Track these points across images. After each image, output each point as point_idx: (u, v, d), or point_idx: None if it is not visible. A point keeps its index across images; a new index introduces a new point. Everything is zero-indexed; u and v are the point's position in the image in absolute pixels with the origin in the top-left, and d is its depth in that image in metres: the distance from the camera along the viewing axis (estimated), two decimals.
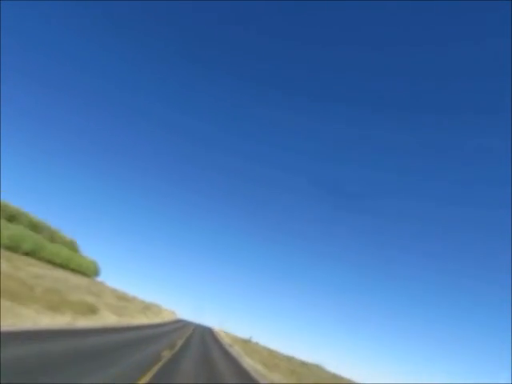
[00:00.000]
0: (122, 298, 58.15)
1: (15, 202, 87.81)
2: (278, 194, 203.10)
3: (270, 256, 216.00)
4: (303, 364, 51.67)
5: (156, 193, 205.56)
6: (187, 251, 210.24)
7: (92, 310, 17.56)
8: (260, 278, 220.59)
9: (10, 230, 58.52)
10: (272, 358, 36.52)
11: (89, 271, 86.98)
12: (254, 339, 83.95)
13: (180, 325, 54.36)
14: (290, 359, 53.18)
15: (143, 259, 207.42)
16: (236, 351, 36.15)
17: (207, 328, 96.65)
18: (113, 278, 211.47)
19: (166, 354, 16.16)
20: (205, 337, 46.89)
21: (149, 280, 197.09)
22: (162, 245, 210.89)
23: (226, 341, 52.26)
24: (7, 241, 56.81)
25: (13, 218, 71.67)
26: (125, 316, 26.09)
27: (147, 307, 59.99)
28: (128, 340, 15.22)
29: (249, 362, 28.34)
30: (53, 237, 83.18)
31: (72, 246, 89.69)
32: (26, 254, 61.16)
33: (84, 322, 13.10)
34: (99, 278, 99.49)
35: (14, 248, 57.49)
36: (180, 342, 24.14)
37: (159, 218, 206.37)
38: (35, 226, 77.72)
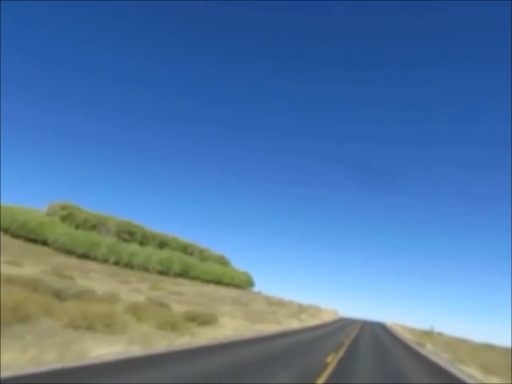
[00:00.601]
0: (275, 303, 55.05)
1: (166, 229, 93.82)
2: None
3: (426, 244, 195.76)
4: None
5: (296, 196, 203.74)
6: (348, 251, 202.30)
7: (207, 321, 13.38)
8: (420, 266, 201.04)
9: (160, 255, 60.72)
10: (478, 353, 27.19)
11: (242, 283, 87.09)
12: (436, 329, 70.30)
13: (341, 324, 44.65)
14: (489, 348, 42.58)
15: (302, 265, 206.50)
16: (434, 353, 25.89)
17: (378, 324, 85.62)
18: (274, 287, 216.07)
19: None
20: (379, 336, 36.64)
21: (311, 284, 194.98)
22: (319, 249, 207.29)
23: (407, 337, 42.71)
24: (158, 265, 58.84)
25: (163, 244, 75.57)
26: (262, 322, 21.68)
27: (303, 310, 55.74)
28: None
29: (471, 373, 16.72)
30: (203, 256, 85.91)
31: (223, 261, 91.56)
32: (179, 275, 62.87)
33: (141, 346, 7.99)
34: (256, 289, 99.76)
35: (164, 271, 59.38)
36: (335, 360, 12.96)
37: (305, 221, 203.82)
38: (185, 248, 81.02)
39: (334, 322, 48.80)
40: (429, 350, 27.43)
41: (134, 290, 29.29)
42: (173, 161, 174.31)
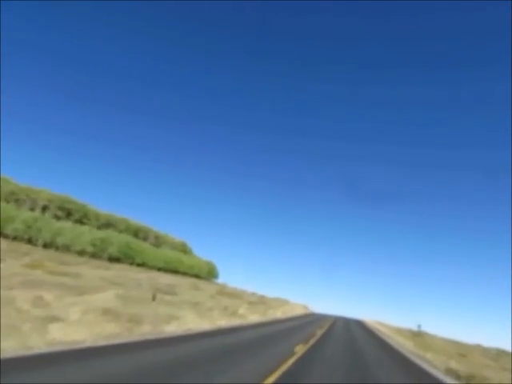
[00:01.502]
0: (229, 294, 46.32)
1: (140, 217, 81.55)
2: None
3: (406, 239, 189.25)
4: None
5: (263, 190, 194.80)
6: (330, 247, 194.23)
7: None
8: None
9: (94, 235, 51.18)
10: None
11: (202, 273, 78.01)
12: (423, 328, 57.49)
13: (299, 323, 32.12)
14: (486, 351, 34.88)
15: (280, 260, 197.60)
16: None
17: (355, 322, 74.47)
18: (248, 282, 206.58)
19: None
20: (361, 350, 20.70)
21: (285, 280, 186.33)
22: (297, 245, 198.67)
23: (397, 341, 31.33)
24: (89, 246, 49.35)
25: (108, 225, 65.87)
26: (132, 321, 12.82)
27: (261, 302, 47.20)
28: None
29: None
30: (158, 241, 76.50)
31: (183, 249, 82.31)
32: (118, 259, 53.42)
33: None
34: (220, 280, 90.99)
35: (98, 254, 49.87)
36: None
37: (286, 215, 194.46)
38: (137, 232, 71.43)
39: (293, 318, 39.07)
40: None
41: None
42: (149, 149, 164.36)
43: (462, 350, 29.48)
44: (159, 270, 63.95)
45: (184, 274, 70.88)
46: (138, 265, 59.82)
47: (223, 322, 19.73)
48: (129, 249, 55.91)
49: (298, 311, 56.79)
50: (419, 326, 56.84)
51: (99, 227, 61.27)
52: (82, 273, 28.73)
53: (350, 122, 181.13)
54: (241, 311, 26.47)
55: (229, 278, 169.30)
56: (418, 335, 43.69)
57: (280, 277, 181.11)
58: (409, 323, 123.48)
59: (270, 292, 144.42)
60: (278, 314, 33.81)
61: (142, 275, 42.09)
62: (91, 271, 32.03)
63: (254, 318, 25.41)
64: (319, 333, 24.81)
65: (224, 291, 49.25)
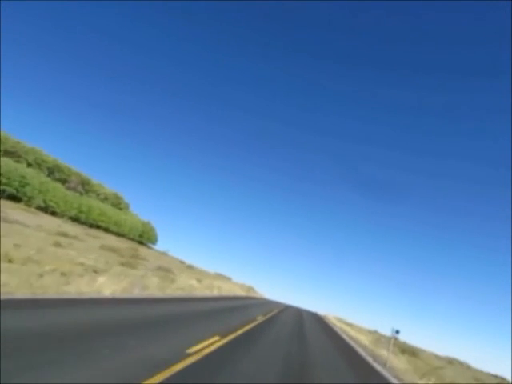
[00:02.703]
0: (124, 254, 34.05)
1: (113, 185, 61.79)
2: None
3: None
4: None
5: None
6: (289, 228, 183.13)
7: None
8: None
9: None
10: None
11: (133, 233, 65.43)
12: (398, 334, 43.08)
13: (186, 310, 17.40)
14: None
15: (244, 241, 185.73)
16: None
17: (310, 313, 62.97)
18: (201, 258, 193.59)
19: None
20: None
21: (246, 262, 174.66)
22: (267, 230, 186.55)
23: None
24: None
25: (10, 154, 52.49)
26: None
27: (166, 269, 35.19)
28: None
29: None
30: (85, 187, 63.55)
31: (117, 202, 69.45)
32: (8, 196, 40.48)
33: None
34: (160, 247, 78.81)
35: None
36: None
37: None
38: (53, 170, 58.11)
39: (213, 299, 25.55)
40: None
41: None
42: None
43: None
44: (69, 218, 51.29)
45: (106, 230, 58.39)
46: (38, 208, 47.05)
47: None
48: (21, 183, 42.91)
49: (228, 292, 44.29)
50: (396, 332, 39.02)
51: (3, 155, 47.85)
52: None
53: (351, 121, 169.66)
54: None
55: (181, 252, 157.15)
56: (410, 353, 27.74)
57: (240, 260, 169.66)
58: (370, 324, 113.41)
59: (223, 271, 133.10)
60: (232, 291, 20.63)
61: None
62: None
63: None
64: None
65: (125, 251, 36.99)
